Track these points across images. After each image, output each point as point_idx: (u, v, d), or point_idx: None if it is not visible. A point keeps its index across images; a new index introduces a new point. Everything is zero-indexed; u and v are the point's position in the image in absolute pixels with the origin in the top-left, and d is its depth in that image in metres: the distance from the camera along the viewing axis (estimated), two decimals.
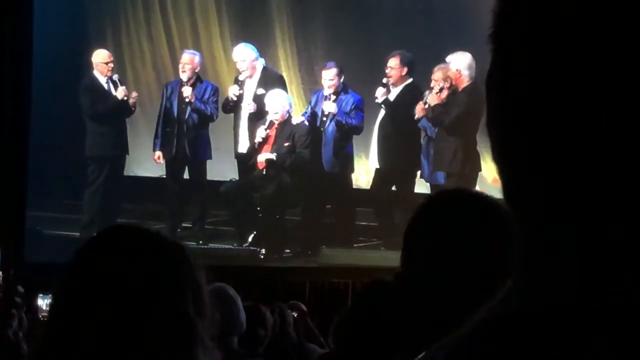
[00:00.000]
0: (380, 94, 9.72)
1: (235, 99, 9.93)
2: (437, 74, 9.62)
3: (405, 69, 9.78)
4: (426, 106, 9.58)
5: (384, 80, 9.76)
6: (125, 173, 10.35)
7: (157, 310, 1.60)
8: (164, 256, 1.65)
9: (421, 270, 1.64)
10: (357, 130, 9.87)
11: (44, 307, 7.59)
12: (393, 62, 9.79)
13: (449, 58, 9.61)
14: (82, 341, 1.58)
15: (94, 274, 1.63)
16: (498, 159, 0.75)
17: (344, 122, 9.78)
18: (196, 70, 10.11)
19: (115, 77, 10.15)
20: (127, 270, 1.62)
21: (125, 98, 10.07)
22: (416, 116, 9.64)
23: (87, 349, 1.58)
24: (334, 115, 9.79)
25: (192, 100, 9.99)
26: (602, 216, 0.70)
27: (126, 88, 10.17)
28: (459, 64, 9.57)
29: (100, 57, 10.17)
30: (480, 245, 1.61)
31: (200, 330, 1.63)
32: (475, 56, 9.31)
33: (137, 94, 10.20)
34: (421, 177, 9.80)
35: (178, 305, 1.61)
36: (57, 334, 1.62)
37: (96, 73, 10.14)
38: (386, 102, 9.77)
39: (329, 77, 9.84)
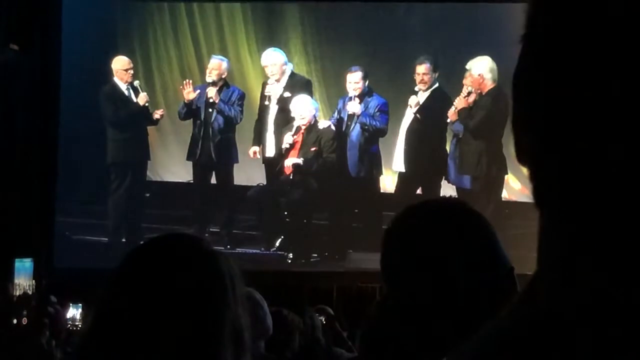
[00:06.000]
0: (413, 102, 9.78)
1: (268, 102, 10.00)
2: (468, 79, 9.66)
3: (435, 75, 9.84)
4: (455, 110, 9.62)
5: (415, 88, 9.83)
6: (152, 178, 10.40)
7: (216, 317, 1.59)
8: (217, 266, 1.63)
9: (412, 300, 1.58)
10: (381, 132, 9.89)
11: (77, 317, 7.65)
12: (423, 68, 9.83)
13: (469, 64, 9.63)
14: (130, 345, 1.56)
15: (147, 282, 1.60)
16: (525, 159, 0.76)
17: (368, 123, 9.80)
18: (223, 76, 10.17)
19: (136, 83, 10.19)
20: (182, 279, 1.60)
21: (147, 104, 10.13)
22: (449, 120, 9.68)
23: (135, 354, 1.56)
24: (358, 116, 9.82)
25: (217, 101, 10.04)
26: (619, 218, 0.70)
27: (152, 95, 10.24)
28: (480, 69, 9.58)
29: (119, 64, 10.20)
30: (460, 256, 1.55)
31: (249, 337, 1.64)
32: (497, 60, 9.35)
33: (163, 111, 10.24)
34: (447, 180, 9.80)
35: (234, 314, 1.61)
36: (104, 336, 1.60)
37: (116, 80, 10.20)
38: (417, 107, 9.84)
39: (354, 80, 9.88)
